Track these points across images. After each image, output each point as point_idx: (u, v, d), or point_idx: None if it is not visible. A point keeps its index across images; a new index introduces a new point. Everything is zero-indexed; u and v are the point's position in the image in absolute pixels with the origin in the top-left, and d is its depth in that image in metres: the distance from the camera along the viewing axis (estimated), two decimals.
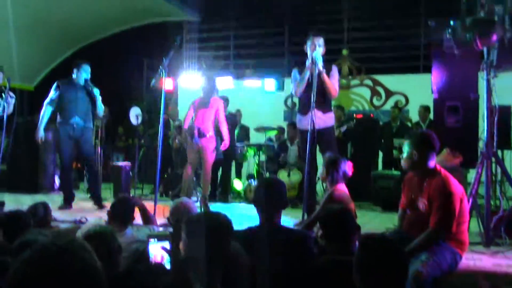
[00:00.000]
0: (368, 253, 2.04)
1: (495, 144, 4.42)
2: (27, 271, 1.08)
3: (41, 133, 6.36)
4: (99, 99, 6.47)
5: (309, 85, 5.20)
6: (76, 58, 6.97)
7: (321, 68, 5.19)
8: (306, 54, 5.40)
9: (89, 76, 6.44)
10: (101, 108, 6.50)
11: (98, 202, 6.49)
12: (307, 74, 5.29)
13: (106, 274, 1.28)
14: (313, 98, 4.98)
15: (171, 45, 5.48)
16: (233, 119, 8.70)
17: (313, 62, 5.17)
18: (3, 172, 8.35)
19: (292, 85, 5.60)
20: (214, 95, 6.81)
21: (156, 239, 2.73)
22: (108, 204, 6.10)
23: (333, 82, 5.35)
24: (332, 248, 2.72)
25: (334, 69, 5.53)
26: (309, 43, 5.39)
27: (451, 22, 4.15)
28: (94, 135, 8.70)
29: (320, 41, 5.37)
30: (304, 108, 5.37)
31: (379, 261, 2.00)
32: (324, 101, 5.35)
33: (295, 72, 5.55)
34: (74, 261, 1.11)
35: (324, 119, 5.34)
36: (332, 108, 5.81)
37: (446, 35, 4.33)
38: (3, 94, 6.14)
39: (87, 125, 6.44)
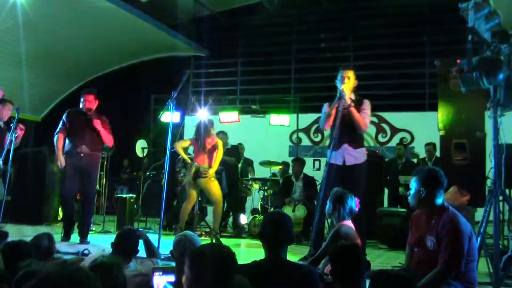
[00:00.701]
0: None
1: (503, 182, 4.38)
2: None
3: (61, 158, 6.27)
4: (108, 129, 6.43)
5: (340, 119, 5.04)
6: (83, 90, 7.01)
7: (348, 102, 5.09)
8: (335, 87, 5.27)
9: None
10: (108, 139, 6.42)
11: (84, 235, 6.27)
12: (333, 108, 5.16)
13: None
14: (335, 133, 4.88)
15: (179, 79, 5.53)
16: (236, 152, 8.71)
17: (341, 96, 5.09)
18: (7, 203, 8.33)
19: (321, 119, 5.44)
20: (210, 135, 6.88)
21: (161, 272, 2.70)
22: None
23: (363, 117, 5.20)
24: (341, 285, 2.67)
25: (365, 103, 5.37)
26: (339, 76, 5.27)
27: (458, 61, 4.17)
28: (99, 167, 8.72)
29: (349, 73, 5.24)
30: (334, 143, 5.21)
31: None
32: (354, 136, 5.23)
33: (325, 106, 5.41)
34: None
35: (355, 156, 5.23)
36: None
37: (453, 74, 4.36)
38: (11, 126, 6.19)
39: (95, 154, 6.40)
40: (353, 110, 5.12)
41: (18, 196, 8.49)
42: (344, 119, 5.02)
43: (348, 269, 2.69)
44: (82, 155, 6.25)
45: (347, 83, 5.20)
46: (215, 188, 6.75)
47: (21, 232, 6.62)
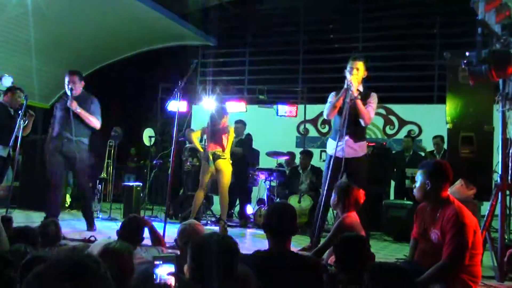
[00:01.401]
0: (378, 282, 2.00)
1: (509, 177, 4.36)
2: (40, 285, 1.07)
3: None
4: (95, 111, 6.16)
5: (343, 110, 5.02)
6: (92, 79, 6.98)
7: (355, 94, 5.03)
8: (344, 77, 5.21)
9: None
10: (91, 121, 6.09)
11: (90, 224, 6.21)
12: (339, 98, 5.11)
13: None
14: (342, 124, 4.86)
15: (187, 68, 5.52)
16: (249, 142, 8.71)
17: (348, 87, 5.04)
18: (16, 189, 8.40)
19: (325, 108, 5.39)
20: (224, 119, 6.85)
21: (161, 261, 2.71)
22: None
23: (368, 110, 5.16)
24: (345, 276, 2.67)
25: (372, 96, 5.32)
26: (348, 66, 5.20)
27: (467, 54, 4.14)
28: (106, 155, 8.77)
29: (358, 65, 5.17)
30: (336, 133, 5.21)
31: None
32: (356, 129, 5.18)
33: (332, 94, 5.37)
34: (89, 276, 1.11)
35: (354, 148, 5.20)
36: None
37: (462, 67, 4.32)
38: (20, 112, 6.21)
39: (78, 139, 6.06)
40: (359, 102, 5.07)
41: (26, 182, 8.56)
42: (349, 111, 4.97)
43: (352, 260, 2.69)
44: (62, 140, 6.03)
45: (355, 75, 5.14)
46: (228, 173, 6.77)
47: (29, 218, 6.70)
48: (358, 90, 5.16)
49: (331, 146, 5.27)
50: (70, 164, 6.17)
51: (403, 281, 2.01)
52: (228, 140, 6.87)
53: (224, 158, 6.73)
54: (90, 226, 6.19)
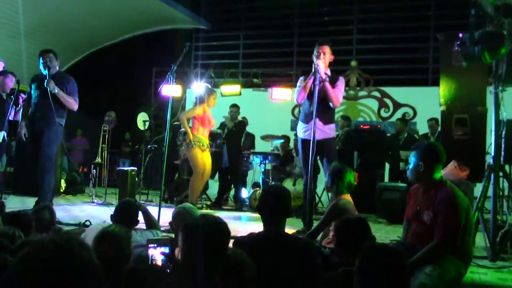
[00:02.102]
0: (369, 263, 2.02)
1: (502, 158, 4.39)
2: (24, 268, 1.08)
3: (22, 129, 5.96)
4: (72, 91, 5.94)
5: (312, 93, 5.18)
6: (85, 63, 6.91)
7: (323, 77, 5.18)
8: (312, 62, 5.39)
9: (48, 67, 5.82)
10: (66, 101, 5.86)
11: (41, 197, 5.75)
12: (307, 82, 5.29)
13: (111, 274, 1.28)
14: (313, 106, 4.96)
15: (180, 52, 5.49)
16: (242, 127, 8.73)
17: (316, 70, 5.15)
18: (10, 174, 8.40)
19: (294, 92, 5.59)
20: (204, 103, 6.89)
21: (156, 244, 2.73)
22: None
23: (336, 92, 5.33)
24: (345, 259, 2.69)
25: (341, 80, 5.52)
26: (315, 51, 5.39)
27: (460, 35, 4.13)
28: (100, 140, 8.75)
29: (325, 49, 5.37)
30: (305, 117, 5.40)
31: (380, 271, 1.98)
32: (325, 112, 5.33)
33: (300, 79, 5.55)
34: (72, 259, 1.11)
35: (324, 130, 5.34)
36: (338, 118, 5.81)
37: (455, 48, 4.32)
38: (12, 97, 6.18)
39: (50, 119, 5.76)
40: (327, 84, 5.24)
41: (20, 167, 8.54)
42: (318, 94, 5.07)
43: (353, 243, 2.70)
44: (34, 119, 5.85)
45: (322, 58, 5.31)
46: (193, 160, 6.85)
47: (24, 204, 6.69)
48: (326, 73, 5.33)
49: (301, 130, 5.43)
50: (36, 141, 5.81)
51: (396, 262, 2.02)
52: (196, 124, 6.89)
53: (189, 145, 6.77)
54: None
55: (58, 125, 5.84)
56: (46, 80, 5.73)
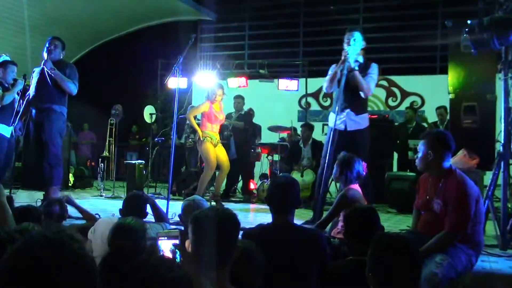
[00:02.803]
0: (382, 251, 2.02)
1: None
2: (14, 261, 1.08)
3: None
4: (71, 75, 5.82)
5: (345, 82, 4.97)
6: (90, 57, 6.89)
7: (352, 66, 5.00)
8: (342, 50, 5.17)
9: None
10: (65, 85, 5.74)
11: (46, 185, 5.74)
12: (335, 70, 5.08)
13: (121, 267, 1.29)
14: (339, 95, 4.84)
15: (186, 44, 5.48)
16: (249, 118, 8.68)
17: (345, 58, 4.99)
18: (18, 169, 8.45)
19: (324, 81, 5.35)
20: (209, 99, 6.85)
21: (166, 237, 2.75)
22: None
23: (367, 81, 5.11)
24: (355, 249, 2.70)
25: (373, 67, 5.25)
26: (345, 38, 5.16)
27: (469, 22, 4.10)
28: (107, 133, 8.80)
29: (355, 35, 5.13)
30: (335, 106, 5.17)
31: (393, 259, 1.99)
32: (357, 101, 5.16)
33: (332, 67, 5.31)
34: (63, 253, 1.11)
35: (356, 121, 5.18)
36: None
37: (464, 35, 4.29)
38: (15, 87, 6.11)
39: (51, 106, 5.72)
40: (357, 74, 5.03)
41: (28, 161, 8.59)
42: (348, 83, 4.95)
43: (362, 232, 2.70)
44: (38, 108, 5.76)
45: (353, 45, 5.11)
46: (204, 155, 6.85)
47: (32, 198, 6.74)
48: (357, 61, 5.13)
49: (332, 120, 5.27)
50: (37, 133, 5.75)
51: (408, 250, 2.03)
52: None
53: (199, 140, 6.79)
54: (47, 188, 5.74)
55: (60, 115, 5.78)
56: (43, 61, 5.67)
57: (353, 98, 5.05)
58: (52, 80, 5.70)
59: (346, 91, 4.91)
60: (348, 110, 5.05)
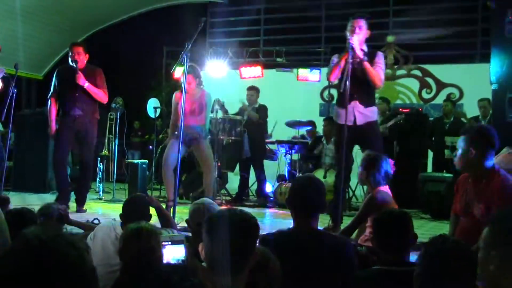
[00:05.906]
0: (438, 256, 1.95)
1: None
2: (7, 264, 1.10)
3: (52, 126, 6.32)
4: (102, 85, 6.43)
5: (350, 73, 5.00)
6: (87, 44, 6.91)
7: (360, 55, 5.11)
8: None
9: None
10: (97, 95, 6.37)
11: (80, 203, 6.35)
12: (341, 59, 5.19)
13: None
14: (343, 86, 4.86)
15: (194, 29, 5.48)
16: (264, 113, 8.49)
17: (350, 47, 5.07)
18: (10, 169, 8.53)
19: (327, 69, 5.55)
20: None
21: (170, 243, 2.78)
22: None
23: (377, 71, 5.25)
24: (385, 257, 2.67)
25: (378, 55, 5.43)
26: (348, 25, 5.33)
27: None
28: (106, 130, 8.86)
29: (361, 23, 5.31)
30: (342, 100, 5.26)
31: (450, 267, 1.93)
32: (365, 93, 5.29)
33: (334, 57, 5.49)
34: (57, 258, 1.12)
35: (365, 114, 5.29)
36: (377, 100, 5.74)
37: (508, 18, 4.25)
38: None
39: (89, 115, 6.38)
40: (367, 64, 5.15)
41: (20, 161, 8.68)
42: (355, 73, 5.02)
43: (394, 240, 2.68)
44: (74, 117, 6.27)
45: (358, 34, 5.24)
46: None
47: (25, 201, 6.83)
48: (362, 50, 5.24)
49: (339, 115, 5.35)
50: (79, 140, 6.36)
51: (466, 258, 1.96)
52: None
53: None
54: (80, 205, 6.32)
55: (97, 121, 6.49)
56: (75, 75, 6.12)
57: (361, 90, 5.12)
58: (84, 90, 6.23)
59: (353, 83, 4.93)
60: (356, 103, 5.10)
